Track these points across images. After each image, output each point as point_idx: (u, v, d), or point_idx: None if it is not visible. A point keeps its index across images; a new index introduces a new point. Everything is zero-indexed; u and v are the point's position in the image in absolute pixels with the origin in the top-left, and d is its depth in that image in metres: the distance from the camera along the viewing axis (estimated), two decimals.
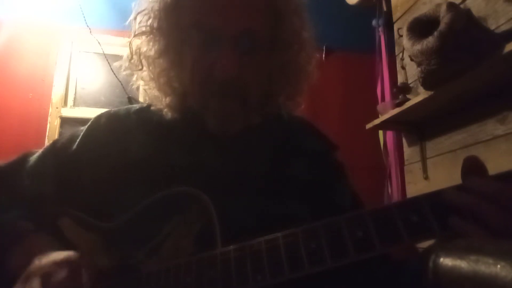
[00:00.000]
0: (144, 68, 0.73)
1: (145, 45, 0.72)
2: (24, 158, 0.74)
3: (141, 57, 0.73)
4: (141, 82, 0.76)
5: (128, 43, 0.74)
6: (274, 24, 0.69)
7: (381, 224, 0.44)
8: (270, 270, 0.45)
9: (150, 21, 0.71)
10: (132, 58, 0.73)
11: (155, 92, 0.74)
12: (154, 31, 0.71)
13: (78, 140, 0.72)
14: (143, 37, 0.72)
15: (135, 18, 0.73)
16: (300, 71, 0.74)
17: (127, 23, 0.74)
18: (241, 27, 0.64)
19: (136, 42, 0.74)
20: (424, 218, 0.43)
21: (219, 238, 0.51)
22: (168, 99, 0.72)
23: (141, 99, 2.46)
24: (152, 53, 0.71)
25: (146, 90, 0.76)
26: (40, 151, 0.75)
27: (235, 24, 0.64)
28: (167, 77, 0.72)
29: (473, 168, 0.50)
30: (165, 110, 0.72)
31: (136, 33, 0.72)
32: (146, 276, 0.52)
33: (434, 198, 0.44)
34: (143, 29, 0.72)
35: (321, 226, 0.46)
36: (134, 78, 0.77)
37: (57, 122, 2.49)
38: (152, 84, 0.73)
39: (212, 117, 0.67)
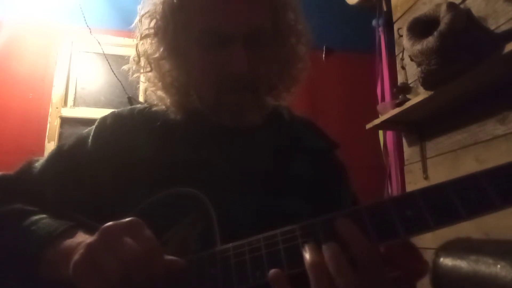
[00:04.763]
0: (150, 69, 0.75)
1: (150, 47, 0.73)
2: (30, 164, 0.73)
3: (148, 59, 0.74)
4: (147, 84, 0.77)
5: (135, 45, 0.75)
6: (274, 18, 0.71)
7: (377, 219, 0.44)
8: (269, 267, 0.46)
9: (154, 23, 0.72)
10: (139, 60, 0.75)
11: (160, 93, 0.75)
12: (159, 33, 0.71)
13: (90, 139, 0.72)
14: (148, 39, 0.73)
15: (140, 21, 0.74)
16: (298, 63, 0.77)
17: (132, 26, 0.75)
18: (251, 26, 0.66)
19: (142, 44, 0.75)
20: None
21: (219, 236, 0.53)
22: (172, 99, 0.73)
23: (141, 99, 2.47)
24: (157, 54, 0.72)
25: (151, 91, 0.77)
26: (44, 157, 0.74)
27: (245, 24, 0.66)
28: (171, 77, 0.73)
29: None
30: (169, 109, 0.73)
31: (142, 35, 0.73)
32: None
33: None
34: (148, 31, 0.73)
35: (318, 222, 0.47)
36: (141, 79, 0.78)
37: (57, 122, 2.49)
38: (158, 85, 0.75)
39: (227, 112, 0.69)
